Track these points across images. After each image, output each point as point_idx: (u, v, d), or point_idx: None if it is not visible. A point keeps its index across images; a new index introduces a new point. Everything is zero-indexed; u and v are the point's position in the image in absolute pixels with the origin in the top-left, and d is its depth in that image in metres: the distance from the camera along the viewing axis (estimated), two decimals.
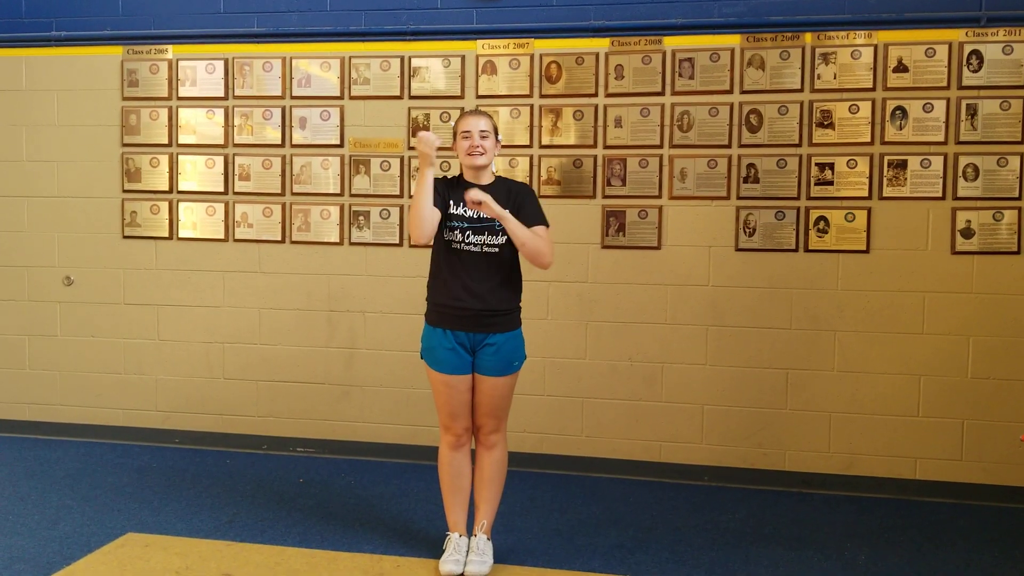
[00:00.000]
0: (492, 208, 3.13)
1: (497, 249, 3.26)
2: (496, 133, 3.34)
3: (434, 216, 3.20)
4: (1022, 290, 4.15)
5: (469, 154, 3.26)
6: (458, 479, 3.39)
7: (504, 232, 3.23)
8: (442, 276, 3.30)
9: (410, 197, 4.65)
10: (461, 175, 3.37)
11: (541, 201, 4.44)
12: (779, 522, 3.92)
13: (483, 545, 3.33)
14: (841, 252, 4.28)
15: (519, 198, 3.30)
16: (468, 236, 3.25)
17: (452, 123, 4.57)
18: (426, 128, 4.61)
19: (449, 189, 3.32)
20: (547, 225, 3.32)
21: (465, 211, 3.26)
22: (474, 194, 3.12)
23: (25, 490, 4.18)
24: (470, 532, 3.41)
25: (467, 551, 3.33)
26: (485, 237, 3.25)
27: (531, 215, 3.28)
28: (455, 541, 3.35)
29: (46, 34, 4.93)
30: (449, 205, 3.28)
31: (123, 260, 4.96)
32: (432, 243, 3.33)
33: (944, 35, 4.18)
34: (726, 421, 4.42)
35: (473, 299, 3.24)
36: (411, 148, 4.64)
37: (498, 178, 3.38)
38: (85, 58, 4.94)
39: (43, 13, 4.96)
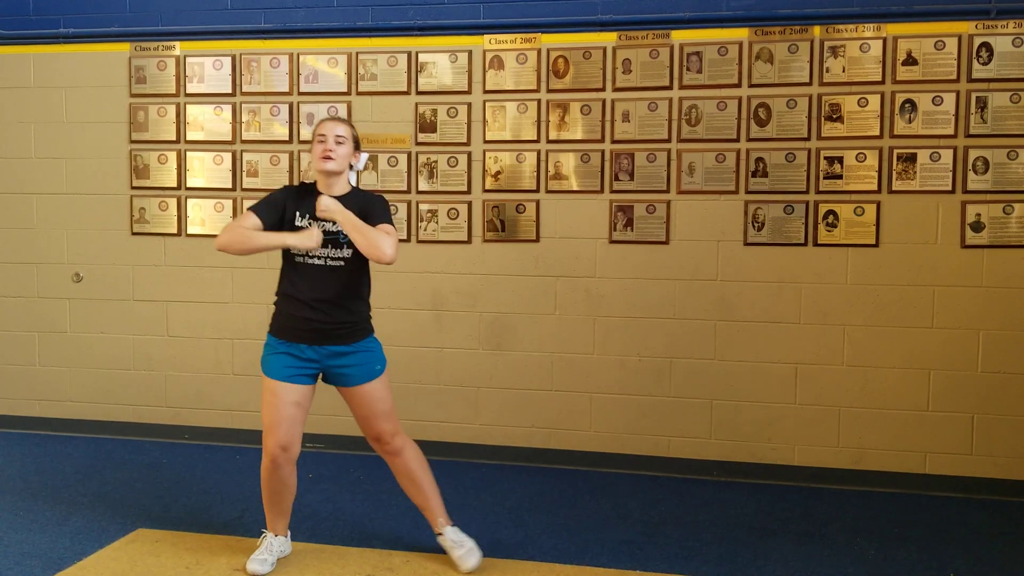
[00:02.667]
0: (336, 215, 3.06)
1: (343, 262, 3.17)
2: (356, 144, 3.25)
3: (256, 248, 3.13)
4: None
5: (321, 157, 3.16)
6: (276, 495, 3.28)
7: (349, 244, 3.15)
8: (287, 291, 3.20)
9: (417, 193, 4.65)
10: (314, 184, 3.26)
11: (549, 196, 4.53)
12: (788, 517, 3.92)
13: (457, 536, 3.32)
14: (850, 246, 4.26)
15: (368, 206, 3.19)
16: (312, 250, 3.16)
17: (461, 117, 4.58)
18: (432, 125, 4.61)
19: (297, 199, 3.21)
20: (392, 224, 3.18)
21: (310, 223, 3.17)
22: (323, 203, 3.07)
23: (36, 486, 4.20)
24: (436, 532, 3.37)
25: (451, 546, 3.32)
26: (329, 250, 3.16)
27: (377, 216, 3.17)
28: (268, 540, 3.31)
29: (54, 31, 4.95)
30: (294, 217, 3.19)
31: (132, 256, 4.98)
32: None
33: (954, 27, 4.15)
34: (735, 416, 4.42)
35: (316, 313, 3.15)
36: (419, 143, 4.64)
37: (354, 189, 3.28)
38: (93, 55, 4.95)
39: (51, 10, 4.97)
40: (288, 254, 3.21)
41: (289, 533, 3.42)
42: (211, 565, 3.32)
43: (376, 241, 3.05)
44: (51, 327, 5.09)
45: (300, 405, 3.21)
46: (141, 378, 5.02)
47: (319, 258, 3.17)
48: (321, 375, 3.27)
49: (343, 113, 4.69)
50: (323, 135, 3.19)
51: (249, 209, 3.19)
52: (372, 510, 3.93)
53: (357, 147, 3.28)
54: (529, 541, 3.60)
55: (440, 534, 3.34)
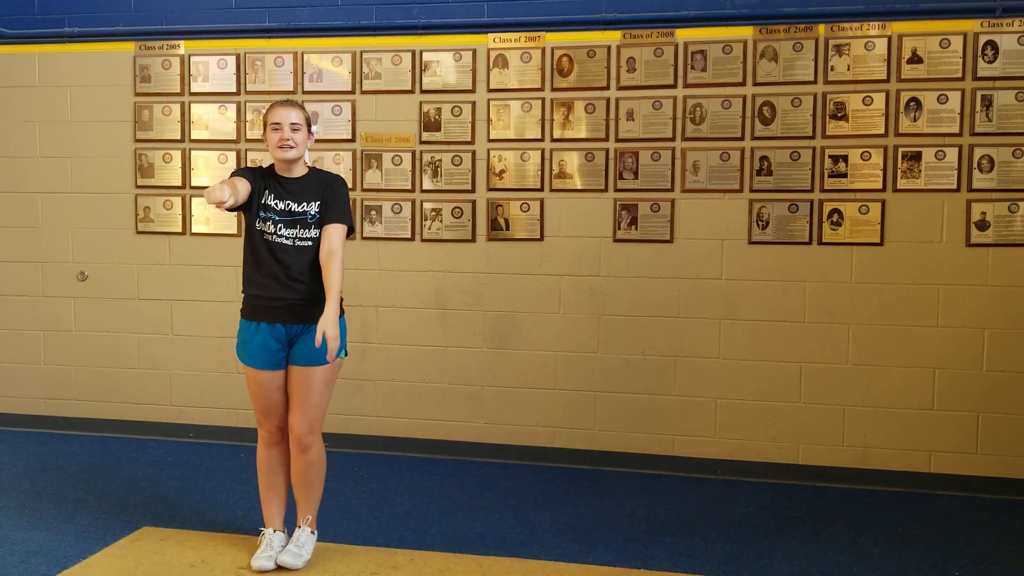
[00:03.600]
0: (332, 350, 3.09)
1: (310, 242, 3.21)
2: (309, 125, 3.27)
3: (244, 189, 3.13)
4: None
5: (279, 147, 3.19)
6: (271, 475, 3.35)
7: (317, 225, 3.21)
8: (255, 268, 3.23)
9: (422, 191, 4.65)
10: (272, 167, 3.29)
11: (553, 195, 4.53)
12: (793, 516, 3.91)
13: (304, 538, 3.30)
14: (855, 245, 4.26)
15: (330, 190, 3.24)
16: (280, 229, 3.20)
17: (466, 116, 4.58)
18: (436, 124, 4.61)
19: (264, 178, 3.25)
20: (347, 223, 3.24)
21: (277, 203, 3.21)
22: (327, 337, 3.08)
23: (41, 484, 4.21)
24: (292, 526, 3.38)
25: (286, 544, 3.31)
26: (297, 230, 3.20)
27: (334, 212, 3.21)
28: (268, 537, 3.33)
29: (59, 30, 4.95)
30: (263, 194, 3.22)
31: (137, 255, 4.98)
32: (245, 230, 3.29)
33: (959, 25, 4.14)
34: (739, 415, 4.42)
35: (287, 290, 3.19)
36: (423, 142, 4.64)
37: (312, 169, 3.32)
38: (97, 54, 4.95)
39: (55, 9, 4.98)
40: (255, 231, 3.22)
41: (287, 531, 3.42)
42: (216, 563, 3.33)
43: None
44: (56, 326, 5.10)
45: (283, 388, 3.29)
46: (145, 377, 5.03)
47: (287, 238, 3.20)
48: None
49: (347, 112, 4.69)
50: (278, 123, 3.19)
51: (234, 175, 3.23)
52: (376, 508, 3.94)
53: (310, 128, 3.29)
54: (533, 539, 3.60)
55: (298, 527, 3.33)
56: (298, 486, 3.34)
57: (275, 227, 3.20)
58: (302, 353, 3.23)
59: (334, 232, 3.21)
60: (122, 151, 4.97)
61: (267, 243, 3.21)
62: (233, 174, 3.25)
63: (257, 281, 3.23)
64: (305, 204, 3.22)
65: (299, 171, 3.28)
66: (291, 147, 3.19)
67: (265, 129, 3.25)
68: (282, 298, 3.20)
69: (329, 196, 3.24)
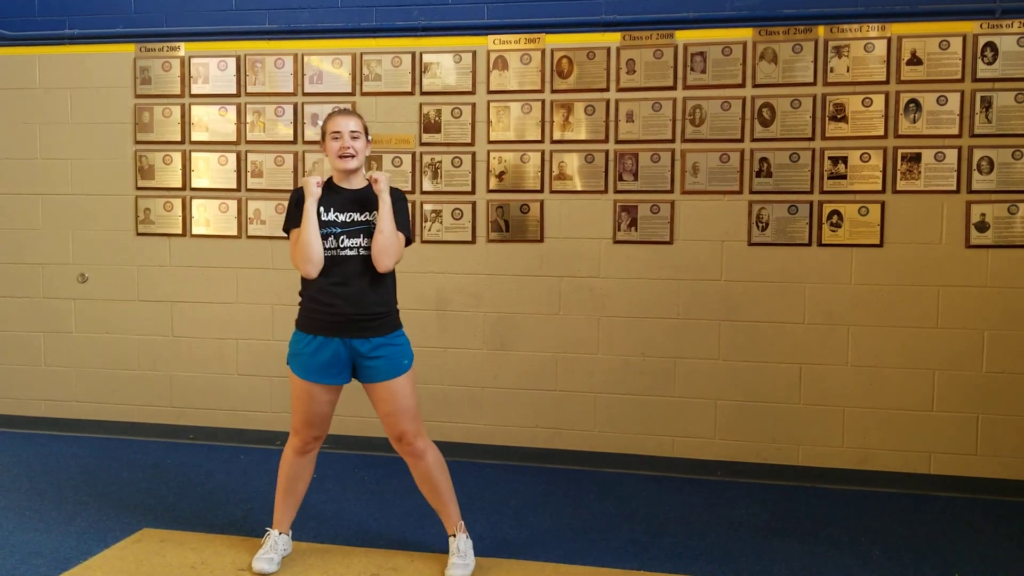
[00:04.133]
0: (384, 190, 3.11)
1: None
2: (366, 134, 3.23)
3: (310, 238, 3.11)
4: None
5: (340, 156, 3.15)
6: (295, 482, 3.34)
7: None
8: (318, 283, 3.15)
9: (422, 193, 4.66)
10: (331, 178, 3.25)
11: (553, 196, 4.53)
12: (793, 517, 3.91)
13: (463, 546, 3.27)
14: (855, 246, 4.26)
15: (392, 202, 3.18)
16: (343, 240, 3.14)
17: (466, 118, 4.59)
18: (437, 126, 4.62)
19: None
20: (407, 235, 3.22)
21: (337, 216, 3.16)
22: (376, 174, 3.14)
23: (42, 486, 4.21)
24: (445, 535, 3.35)
25: (452, 552, 3.27)
26: (361, 239, 3.14)
27: (397, 214, 3.17)
28: (273, 539, 3.33)
29: (59, 32, 4.96)
30: (319, 212, 3.16)
31: (137, 257, 4.99)
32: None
33: (958, 27, 4.15)
34: (739, 416, 4.42)
35: (347, 304, 3.12)
36: (423, 144, 4.65)
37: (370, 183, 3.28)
38: (98, 56, 4.96)
39: (56, 11, 4.99)
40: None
41: (291, 532, 3.43)
42: (216, 564, 3.33)
43: (389, 247, 3.11)
44: (56, 327, 5.11)
45: (333, 402, 3.29)
46: (146, 378, 5.03)
47: (351, 248, 3.15)
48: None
49: None
50: (338, 132, 3.16)
51: (290, 230, 3.20)
52: (377, 510, 3.94)
53: (367, 136, 3.26)
54: (533, 541, 3.60)
55: (452, 536, 3.32)
56: (433, 495, 3.29)
57: (336, 240, 3.14)
58: (382, 369, 3.18)
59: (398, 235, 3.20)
60: (122, 153, 4.97)
61: (328, 258, 3.14)
62: (292, 203, 3.21)
63: (316, 296, 3.17)
64: (368, 214, 3.17)
65: (358, 182, 3.23)
66: (352, 155, 3.16)
67: (324, 139, 3.20)
68: (345, 314, 3.13)
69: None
